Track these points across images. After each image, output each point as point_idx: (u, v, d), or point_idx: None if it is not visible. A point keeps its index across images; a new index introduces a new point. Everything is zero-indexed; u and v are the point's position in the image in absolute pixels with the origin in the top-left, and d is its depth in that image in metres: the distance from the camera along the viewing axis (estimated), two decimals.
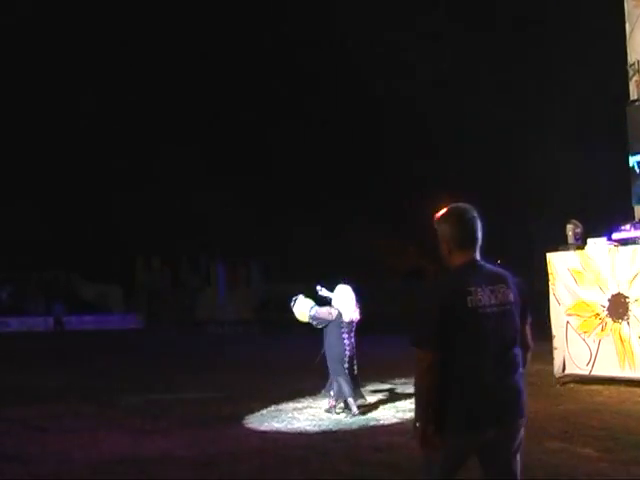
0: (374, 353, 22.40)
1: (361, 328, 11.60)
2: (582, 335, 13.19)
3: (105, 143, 60.34)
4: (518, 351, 4.28)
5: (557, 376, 13.57)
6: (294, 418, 11.18)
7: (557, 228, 14.86)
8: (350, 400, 11.08)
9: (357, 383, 11.46)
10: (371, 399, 12.70)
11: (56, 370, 19.40)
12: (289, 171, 65.70)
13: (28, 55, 60.22)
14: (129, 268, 50.53)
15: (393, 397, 12.89)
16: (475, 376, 4.11)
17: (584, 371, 13.21)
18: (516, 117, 47.05)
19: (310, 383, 15.16)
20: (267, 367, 18.89)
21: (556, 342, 13.61)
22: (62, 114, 60.06)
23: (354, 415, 10.94)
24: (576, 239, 13.73)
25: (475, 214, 4.40)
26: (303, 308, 11.46)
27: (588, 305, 13.10)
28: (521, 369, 4.30)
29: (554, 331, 13.67)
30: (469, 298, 4.13)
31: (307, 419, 11.05)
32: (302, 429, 10.30)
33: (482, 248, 4.48)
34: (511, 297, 4.27)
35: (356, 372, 11.41)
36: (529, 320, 4.46)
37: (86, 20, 59.41)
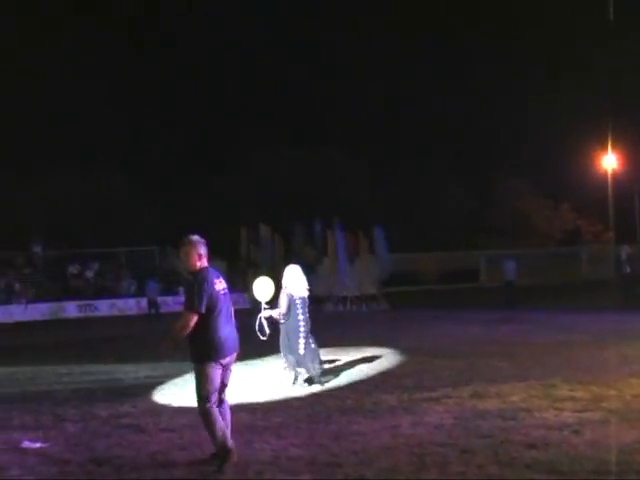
0: (528, 331, 22.14)
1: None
2: None
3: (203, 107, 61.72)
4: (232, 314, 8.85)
5: None
6: (430, 410, 11.12)
7: None
8: (300, 373, 14.27)
9: (316, 356, 14.49)
10: (521, 385, 12.53)
11: (151, 360, 19.83)
12: (414, 130, 65.80)
13: None
14: (234, 239, 51.09)
15: (548, 384, 12.66)
16: (223, 327, 8.59)
17: None
18: None
19: (444, 369, 15.09)
20: (399, 350, 18.86)
21: None
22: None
23: (303, 386, 14.08)
24: None
25: (203, 240, 8.82)
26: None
27: None
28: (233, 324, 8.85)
29: None
30: (214, 286, 8.53)
31: (446, 411, 10.97)
32: (440, 423, 10.22)
33: None
34: (225, 285, 8.78)
35: (313, 346, 14.49)
36: None
37: None
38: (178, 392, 14.13)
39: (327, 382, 14.43)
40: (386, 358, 17.50)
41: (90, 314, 43.02)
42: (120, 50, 66.51)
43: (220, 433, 8.49)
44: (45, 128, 61.45)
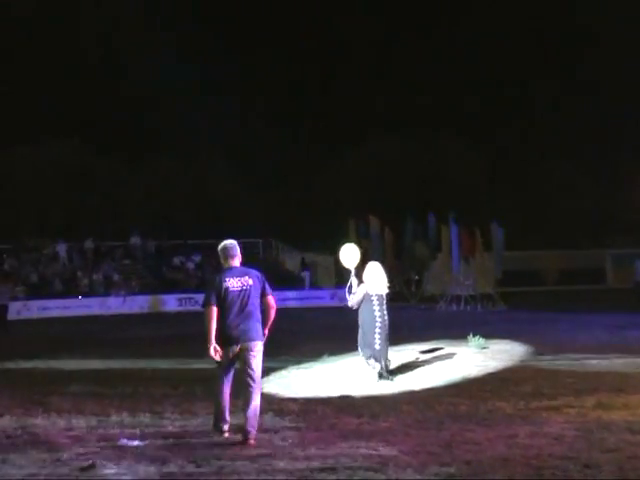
0: None
1: None
2: None
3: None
4: (255, 309, 10.62)
5: None
6: (550, 420, 10.98)
7: None
8: (379, 372, 15.28)
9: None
10: None
11: None
12: (537, 119, 64.89)
13: None
14: (342, 232, 51.17)
15: None
16: (231, 319, 10.47)
17: None
18: None
19: (565, 376, 14.88)
20: (516, 354, 18.68)
21: None
22: None
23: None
24: None
25: (233, 245, 10.97)
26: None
27: None
28: (257, 316, 10.65)
29: None
30: (224, 284, 10.54)
31: (567, 421, 10.82)
32: (560, 434, 10.08)
33: None
34: (250, 282, 10.65)
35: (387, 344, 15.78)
36: (269, 294, 10.81)
37: None
38: (280, 391, 14.25)
39: (393, 379, 15.43)
40: (502, 362, 17.37)
41: (190, 308, 43.22)
42: (225, 39, 67.55)
43: (217, 412, 10.73)
44: (146, 116, 62.64)
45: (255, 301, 10.70)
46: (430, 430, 10.58)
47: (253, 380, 10.47)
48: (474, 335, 20.53)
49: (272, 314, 10.88)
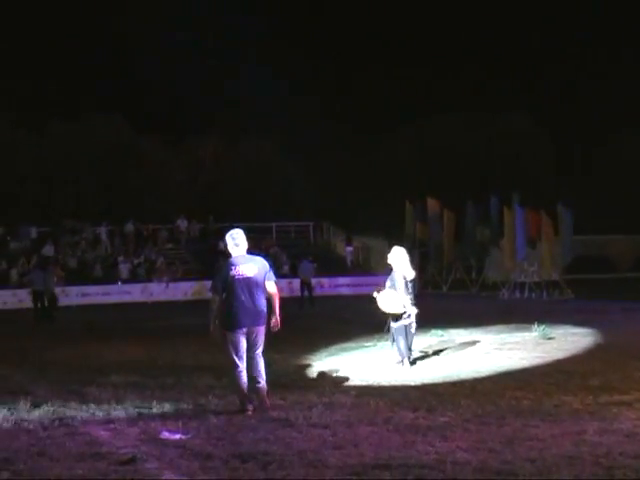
0: None
1: None
2: None
3: None
4: (260, 294, 12.03)
5: None
6: (621, 415, 10.86)
7: None
8: (405, 359, 16.04)
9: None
10: None
11: (304, 347, 19.99)
12: (607, 95, 64.27)
13: None
14: (398, 215, 50.98)
15: None
16: (236, 304, 11.87)
17: None
18: None
19: (637, 370, 14.73)
20: (584, 345, 18.54)
21: None
22: None
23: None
24: None
25: (239, 233, 12.25)
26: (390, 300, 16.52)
27: None
28: (262, 302, 12.01)
29: None
30: (231, 272, 11.93)
31: (639, 417, 10.69)
32: (632, 431, 9.95)
33: None
34: (255, 270, 12.03)
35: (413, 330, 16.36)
36: (271, 280, 12.19)
37: None
38: (331, 382, 14.23)
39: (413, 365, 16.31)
40: (569, 354, 17.25)
41: None
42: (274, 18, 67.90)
43: (241, 395, 11.96)
44: (191, 93, 63.07)
45: (260, 287, 12.11)
46: (490, 425, 10.51)
47: (260, 357, 12.09)
48: (539, 324, 20.42)
49: (276, 300, 12.29)
